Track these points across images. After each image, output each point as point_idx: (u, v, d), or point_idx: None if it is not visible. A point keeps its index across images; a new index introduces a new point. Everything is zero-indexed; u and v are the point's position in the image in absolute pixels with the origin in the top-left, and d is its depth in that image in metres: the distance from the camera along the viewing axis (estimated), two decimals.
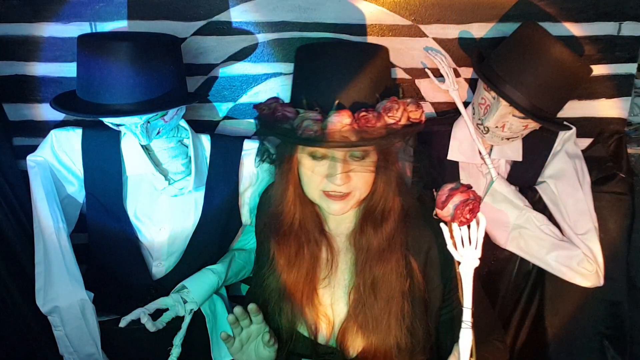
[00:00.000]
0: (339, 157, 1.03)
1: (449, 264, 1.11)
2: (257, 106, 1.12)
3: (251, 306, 1.11)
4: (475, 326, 1.09)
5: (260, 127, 1.11)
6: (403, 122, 1.01)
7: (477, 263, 1.03)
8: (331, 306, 1.17)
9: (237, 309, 1.11)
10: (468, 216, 1.00)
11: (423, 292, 1.13)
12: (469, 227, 1.04)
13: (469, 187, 1.02)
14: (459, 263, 1.04)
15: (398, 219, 1.12)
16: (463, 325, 1.02)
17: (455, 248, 1.04)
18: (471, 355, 1.02)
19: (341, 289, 1.17)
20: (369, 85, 1.02)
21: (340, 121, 0.97)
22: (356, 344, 1.14)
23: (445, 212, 1.01)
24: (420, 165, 1.19)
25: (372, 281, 1.11)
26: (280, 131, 1.03)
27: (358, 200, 1.10)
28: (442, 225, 1.05)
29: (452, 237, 1.04)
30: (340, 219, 1.17)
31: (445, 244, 1.05)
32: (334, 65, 1.02)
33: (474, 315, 1.07)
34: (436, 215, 1.05)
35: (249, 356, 1.17)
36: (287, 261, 1.15)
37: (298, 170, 1.11)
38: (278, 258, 1.16)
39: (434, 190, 1.05)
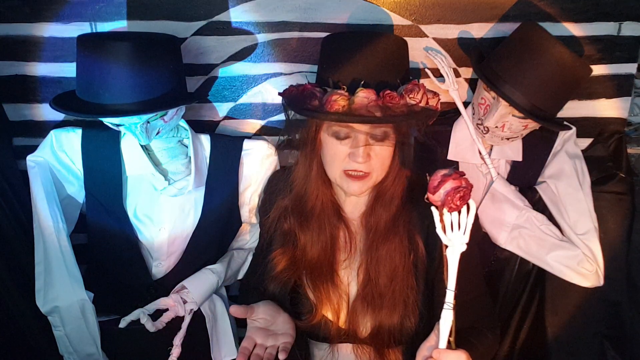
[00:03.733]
0: (361, 138, 1.08)
1: None
2: (290, 87, 1.17)
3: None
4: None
5: (287, 105, 1.16)
6: (423, 104, 1.09)
7: (464, 248, 1.06)
8: (348, 286, 1.22)
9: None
10: (458, 203, 1.02)
11: (427, 267, 1.19)
12: (459, 212, 1.06)
13: (461, 174, 1.04)
14: (446, 247, 1.06)
15: (404, 198, 1.19)
16: (445, 306, 1.05)
17: (444, 232, 1.06)
18: (450, 335, 1.04)
19: (355, 270, 1.22)
20: (391, 70, 1.10)
21: (367, 97, 1.03)
22: (365, 322, 1.18)
23: (437, 197, 1.04)
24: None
25: (378, 259, 1.17)
26: (308, 107, 1.08)
27: (375, 182, 1.15)
28: (432, 208, 1.07)
29: (441, 221, 1.06)
30: (356, 203, 1.24)
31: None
32: (360, 49, 1.08)
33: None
34: (427, 198, 1.08)
35: None
36: (310, 241, 1.20)
37: (321, 151, 1.16)
38: (299, 237, 1.21)
39: (427, 174, 1.08)
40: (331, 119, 1.06)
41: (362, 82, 1.06)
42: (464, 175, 1.05)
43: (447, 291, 1.05)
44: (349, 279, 1.23)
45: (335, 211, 1.22)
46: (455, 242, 1.05)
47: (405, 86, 1.09)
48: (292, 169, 1.27)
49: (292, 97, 1.14)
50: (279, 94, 1.19)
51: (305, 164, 1.19)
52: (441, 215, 1.06)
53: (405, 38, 1.26)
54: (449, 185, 1.02)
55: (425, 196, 1.08)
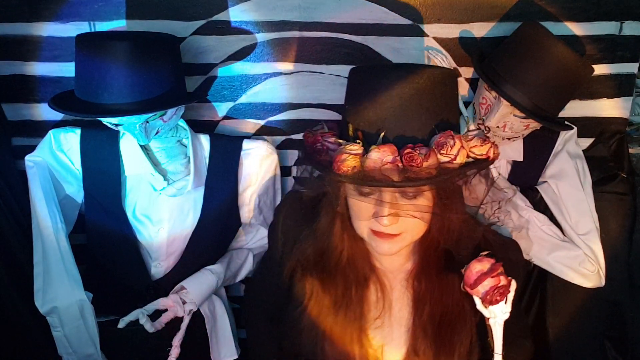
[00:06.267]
0: (386, 196, 0.91)
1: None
2: (306, 132, 1.02)
3: None
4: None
5: (301, 157, 1.02)
6: (461, 160, 0.89)
7: (507, 317, 1.00)
8: (382, 347, 1.08)
9: None
10: (498, 298, 0.97)
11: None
12: None
13: (498, 267, 0.97)
14: (488, 318, 1.02)
15: (466, 260, 1.02)
16: None
17: (485, 307, 1.01)
18: None
19: (397, 329, 1.08)
20: (424, 116, 0.89)
21: (380, 158, 0.86)
22: None
23: (475, 293, 0.98)
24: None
25: (438, 322, 1.04)
26: (318, 164, 0.93)
27: (410, 241, 0.99)
28: (463, 288, 1.02)
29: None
30: (395, 256, 1.05)
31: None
32: (385, 90, 0.89)
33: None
34: (464, 288, 1.01)
35: None
36: (334, 302, 1.05)
37: (346, 201, 1.00)
38: (322, 298, 1.05)
39: (462, 270, 1.00)
40: (340, 180, 0.90)
41: (382, 136, 0.88)
42: (500, 266, 0.97)
43: (495, 355, 1.01)
44: (385, 340, 1.08)
45: (367, 264, 1.06)
46: (497, 313, 1.00)
47: (435, 139, 0.89)
48: (314, 211, 1.07)
49: (306, 147, 0.99)
50: (304, 134, 1.02)
51: (328, 214, 1.03)
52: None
53: (405, 38, 1.24)
54: (487, 284, 0.96)
55: (462, 284, 1.00)
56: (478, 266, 0.97)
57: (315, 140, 0.96)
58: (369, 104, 0.90)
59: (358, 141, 0.90)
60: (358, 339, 1.05)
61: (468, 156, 0.92)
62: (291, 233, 1.11)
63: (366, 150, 0.88)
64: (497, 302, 0.97)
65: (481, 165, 0.93)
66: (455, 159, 0.88)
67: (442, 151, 0.88)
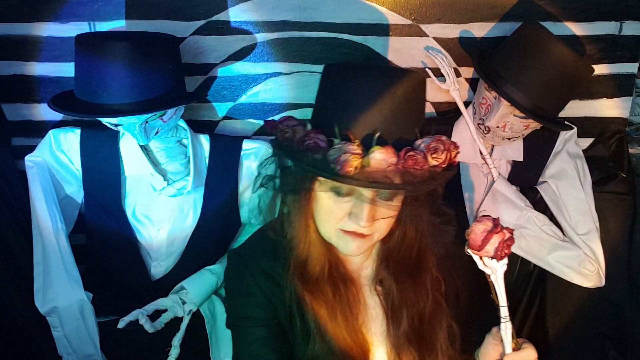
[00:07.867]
0: (367, 197, 0.90)
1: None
2: (271, 125, 0.99)
3: None
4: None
5: (281, 153, 0.96)
6: (445, 164, 0.90)
7: (505, 268, 1.02)
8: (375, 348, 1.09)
9: None
10: (507, 251, 0.99)
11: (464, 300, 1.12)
12: None
13: (498, 221, 0.99)
14: (489, 275, 1.03)
15: (432, 268, 1.05)
16: (502, 320, 1.03)
17: (485, 264, 1.03)
18: (513, 339, 1.05)
19: (375, 332, 1.08)
20: (410, 119, 0.89)
21: (386, 160, 0.85)
22: None
23: (485, 253, 1.00)
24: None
25: (418, 325, 1.05)
26: (309, 162, 0.88)
27: (376, 241, 1.00)
28: (469, 252, 1.02)
29: (481, 258, 1.03)
30: (360, 258, 1.07)
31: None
32: (374, 91, 0.87)
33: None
34: (469, 252, 1.02)
35: None
36: (328, 307, 1.01)
37: (313, 204, 0.97)
38: (317, 309, 1.01)
39: (465, 232, 1.01)
40: (339, 180, 0.85)
41: (377, 136, 0.86)
42: (498, 219, 0.99)
43: (501, 308, 1.03)
44: (375, 342, 1.07)
45: (340, 263, 1.05)
46: (497, 268, 1.02)
47: (426, 143, 0.89)
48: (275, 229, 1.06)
49: (286, 143, 0.94)
50: (266, 123, 1.00)
51: (301, 221, 0.99)
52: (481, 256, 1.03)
53: (405, 38, 1.24)
54: (495, 240, 0.97)
55: (466, 249, 1.01)
56: (481, 226, 0.98)
57: (304, 136, 0.91)
58: (357, 104, 0.88)
59: (355, 141, 0.87)
60: (360, 343, 1.04)
61: (449, 160, 0.92)
62: (269, 274, 1.05)
63: (364, 151, 0.86)
64: (506, 255, 0.99)
65: (453, 170, 0.94)
66: (444, 162, 0.90)
67: (434, 155, 0.88)
